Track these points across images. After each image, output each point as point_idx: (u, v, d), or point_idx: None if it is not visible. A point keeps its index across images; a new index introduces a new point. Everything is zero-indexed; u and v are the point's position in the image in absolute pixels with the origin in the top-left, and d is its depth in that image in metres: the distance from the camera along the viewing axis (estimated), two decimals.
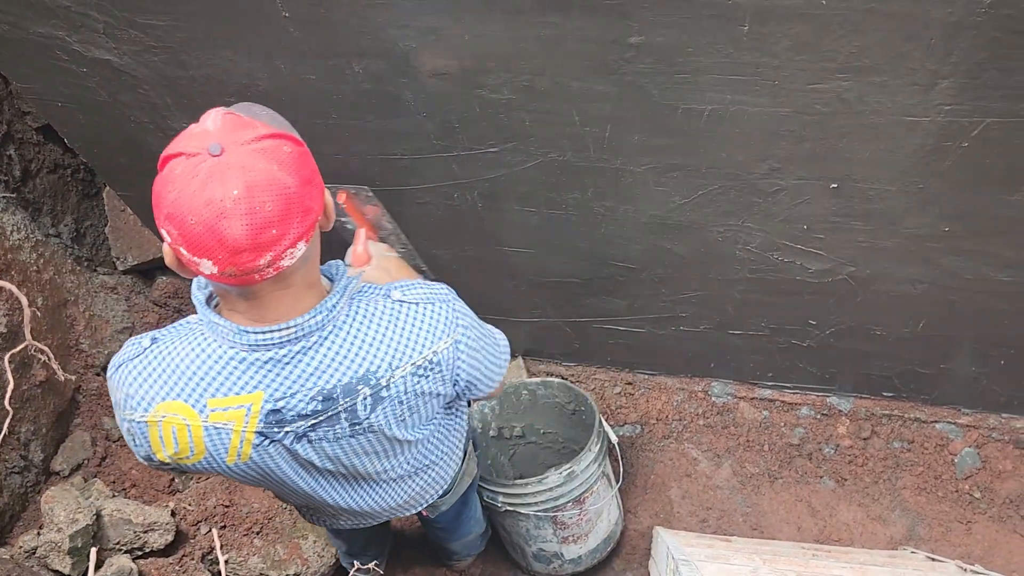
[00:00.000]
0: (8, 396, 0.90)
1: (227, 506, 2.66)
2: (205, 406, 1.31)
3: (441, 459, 1.72)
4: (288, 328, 1.26)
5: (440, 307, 1.40)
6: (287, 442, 1.37)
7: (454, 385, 1.46)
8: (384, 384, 1.35)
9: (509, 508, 2.39)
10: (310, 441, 1.38)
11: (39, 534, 2.37)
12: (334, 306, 1.30)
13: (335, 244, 1.66)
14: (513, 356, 3.00)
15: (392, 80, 1.88)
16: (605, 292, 2.55)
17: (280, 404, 1.32)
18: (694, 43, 1.63)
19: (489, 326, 1.56)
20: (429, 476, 1.73)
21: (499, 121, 1.93)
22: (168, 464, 1.42)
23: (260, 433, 1.34)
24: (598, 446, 2.41)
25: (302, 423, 1.35)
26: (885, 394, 2.72)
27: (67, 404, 2.87)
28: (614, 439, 2.52)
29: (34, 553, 2.33)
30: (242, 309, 1.26)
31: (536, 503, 2.37)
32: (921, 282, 2.17)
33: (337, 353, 1.31)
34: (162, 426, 1.33)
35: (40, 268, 2.79)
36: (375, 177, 2.18)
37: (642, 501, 2.80)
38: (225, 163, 1.10)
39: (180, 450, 1.36)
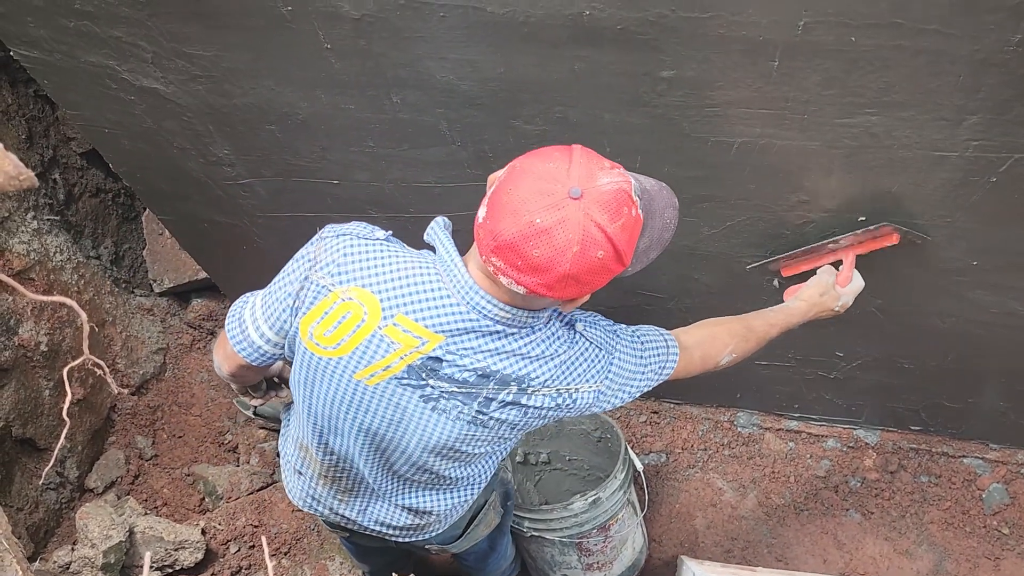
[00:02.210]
0: (67, 407, 0.95)
1: (256, 526, 2.70)
2: (393, 316, 1.36)
3: (459, 482, 1.71)
4: (507, 312, 1.35)
5: (602, 356, 1.48)
6: (418, 395, 1.42)
7: (575, 415, 1.53)
8: (529, 392, 1.42)
9: (534, 534, 2.41)
10: (435, 407, 1.43)
11: (73, 550, 2.41)
12: (542, 317, 1.39)
13: None
14: None
15: (429, 110, 1.93)
16: (632, 321, 2.56)
17: (448, 358, 1.37)
18: (724, 77, 1.67)
19: (651, 347, 1.59)
20: (438, 498, 1.72)
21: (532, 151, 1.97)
22: (277, 340, 1.49)
23: (411, 368, 1.39)
24: (623, 474, 2.42)
25: (447, 386, 1.40)
26: (912, 428, 2.72)
27: (102, 422, 2.93)
28: (639, 467, 2.53)
29: (68, 568, 2.38)
30: (478, 270, 1.34)
31: (561, 529, 2.39)
32: (949, 316, 2.18)
33: (518, 349, 1.39)
34: (340, 305, 1.38)
35: (81, 289, 2.86)
36: (408, 204, 2.23)
37: (667, 530, 2.81)
38: (563, 205, 1.21)
39: (334, 335, 1.39)
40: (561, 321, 1.46)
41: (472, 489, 1.77)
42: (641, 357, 1.55)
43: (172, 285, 3.16)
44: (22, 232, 2.63)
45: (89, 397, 2.84)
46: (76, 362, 0.85)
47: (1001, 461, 2.68)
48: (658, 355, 1.59)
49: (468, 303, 1.34)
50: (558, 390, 1.44)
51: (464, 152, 2.03)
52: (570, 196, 1.20)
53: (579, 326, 1.47)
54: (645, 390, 1.60)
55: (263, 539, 0.94)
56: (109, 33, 1.91)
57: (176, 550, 2.54)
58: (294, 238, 1.60)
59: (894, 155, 1.74)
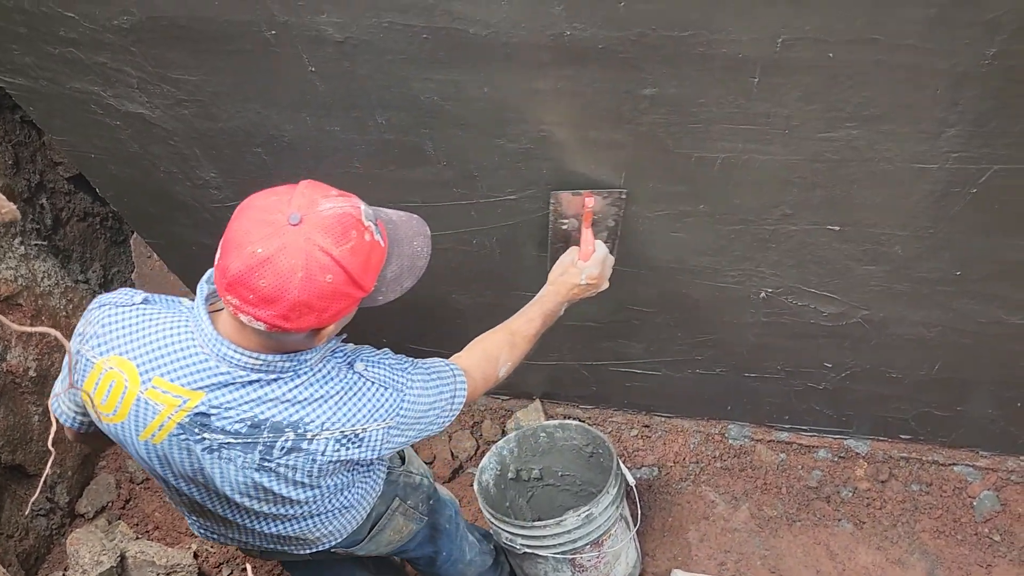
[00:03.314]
0: (51, 437, 0.95)
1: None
2: (151, 380, 1.38)
3: (332, 510, 1.67)
4: (258, 359, 1.36)
5: (389, 395, 1.49)
6: (199, 448, 1.43)
7: (378, 457, 1.53)
8: (308, 437, 1.42)
9: (528, 551, 2.40)
10: (219, 458, 1.44)
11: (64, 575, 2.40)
12: (306, 360, 1.40)
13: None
14: (531, 399, 3.04)
15: (414, 131, 1.94)
16: (622, 336, 2.58)
17: (213, 412, 1.38)
18: (706, 94, 1.68)
19: (444, 386, 1.61)
20: (311, 524, 1.67)
21: (518, 169, 1.99)
22: (82, 409, 1.53)
23: (181, 426, 1.41)
24: (616, 488, 2.42)
25: (221, 438, 1.41)
26: (902, 436, 2.73)
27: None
28: (631, 481, 2.53)
29: None
30: (227, 322, 1.36)
31: (554, 545, 2.38)
32: (935, 325, 2.20)
33: (284, 395, 1.39)
34: (104, 376, 1.41)
35: (69, 313, 2.85)
36: None
37: (660, 544, 2.80)
38: (283, 231, 1.24)
39: (108, 403, 1.42)
40: (338, 361, 1.47)
41: (351, 513, 1.73)
42: (434, 390, 1.58)
43: None
44: (9, 258, 2.63)
45: None
46: (59, 390, 0.85)
47: (991, 468, 2.69)
48: (448, 386, 1.62)
49: (217, 356, 1.36)
50: (342, 432, 1.44)
51: (450, 172, 2.05)
52: (289, 223, 1.23)
53: (359, 366, 1.48)
54: (445, 424, 1.63)
55: (248, 566, 0.94)
56: (94, 59, 1.92)
57: (168, 574, 2.53)
58: None
59: (876, 168, 1.76)
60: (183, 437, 1.42)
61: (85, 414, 1.59)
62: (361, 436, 1.47)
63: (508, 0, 1.58)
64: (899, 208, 1.85)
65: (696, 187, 1.93)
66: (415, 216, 1.55)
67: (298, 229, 1.24)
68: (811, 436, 2.84)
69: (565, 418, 3.00)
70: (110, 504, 2.93)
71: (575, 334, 2.61)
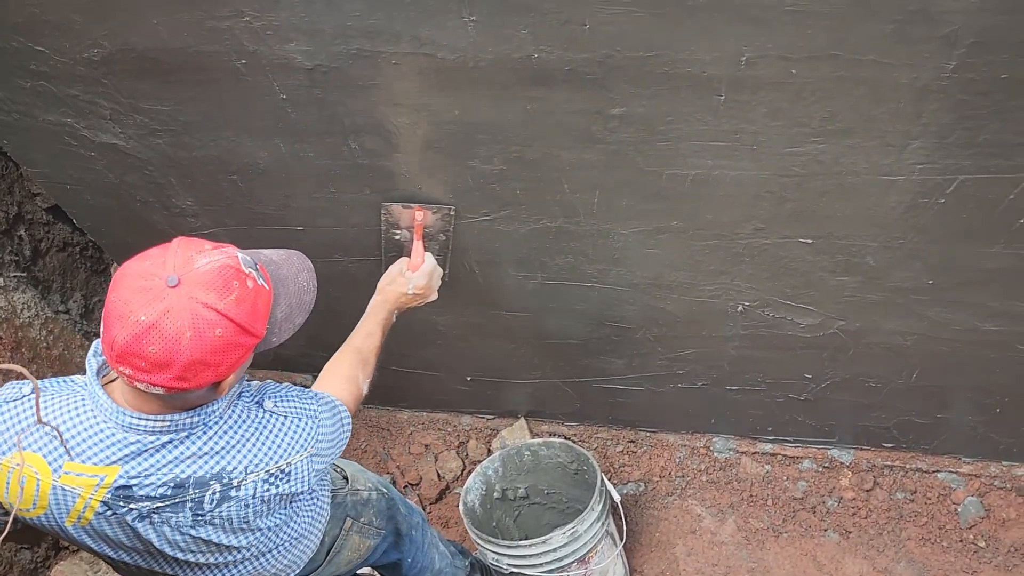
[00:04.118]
0: (19, 473, 0.95)
1: None
2: (61, 467, 1.36)
3: (285, 542, 1.65)
4: (163, 421, 1.34)
5: (305, 423, 1.49)
6: (129, 518, 1.40)
7: (308, 488, 1.53)
8: (235, 484, 1.42)
9: (514, 570, 2.40)
10: (152, 523, 1.42)
11: None
12: (213, 411, 1.39)
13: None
14: (516, 417, 3.04)
15: (387, 155, 1.95)
16: (603, 352, 2.59)
17: (133, 482, 1.36)
18: (674, 112, 1.70)
19: (338, 410, 1.64)
20: (270, 559, 1.65)
21: (491, 191, 2.00)
22: (2, 510, 1.47)
23: (105, 503, 1.38)
24: (601, 505, 2.43)
25: (148, 504, 1.39)
26: (885, 445, 2.74)
27: None
28: (617, 498, 2.53)
29: None
30: (124, 391, 1.34)
31: (541, 564, 2.38)
32: (911, 334, 2.21)
33: (200, 449, 1.38)
34: (13, 474, 1.38)
35: (50, 344, 2.84)
36: (373, 248, 2.24)
37: (647, 559, 2.80)
38: (164, 295, 1.22)
39: (24, 500, 1.39)
40: (246, 403, 1.46)
41: (303, 543, 1.70)
42: (335, 415, 1.61)
43: None
44: None
45: None
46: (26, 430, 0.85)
47: (974, 474, 2.70)
48: (337, 410, 1.64)
49: (122, 427, 1.34)
50: (268, 471, 1.44)
51: (425, 195, 2.05)
52: (168, 285, 1.22)
53: (267, 403, 1.48)
54: (343, 447, 1.65)
55: None
56: (66, 92, 1.93)
57: None
58: None
59: (844, 181, 1.78)
60: (109, 514, 1.40)
61: (7, 513, 1.51)
62: (287, 471, 1.47)
63: (474, 25, 1.59)
64: (869, 219, 1.87)
65: (669, 204, 1.94)
66: (295, 252, 1.55)
67: (178, 290, 1.23)
68: (795, 447, 2.84)
69: (551, 435, 3.00)
70: None
71: (557, 352, 2.61)
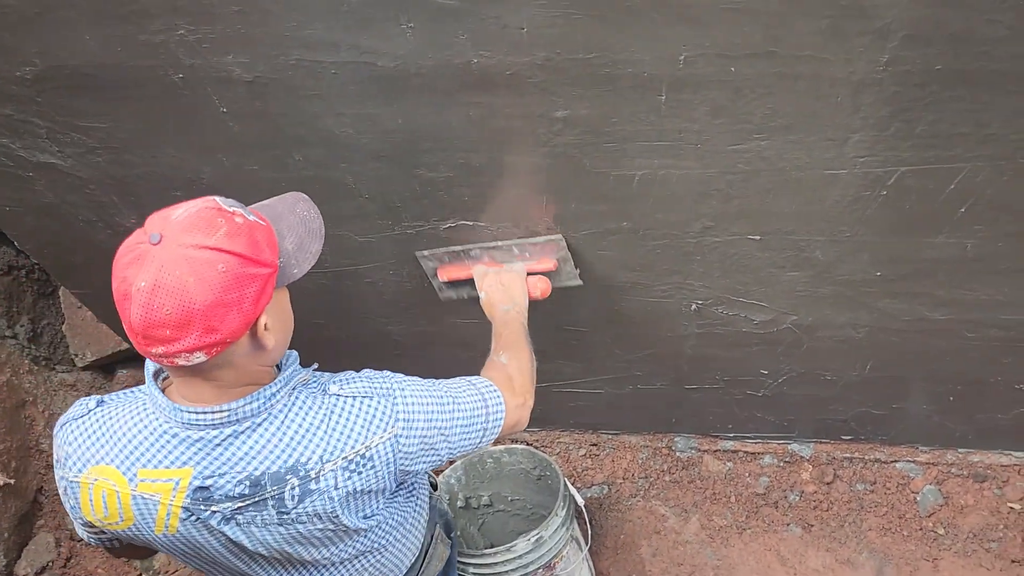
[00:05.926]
0: None
1: None
2: (136, 475, 1.34)
3: (394, 543, 1.64)
4: (221, 412, 1.30)
5: (378, 401, 1.41)
6: (214, 521, 1.38)
7: (396, 478, 1.46)
8: (313, 476, 1.36)
9: None
10: (238, 524, 1.39)
11: None
12: (272, 395, 1.34)
13: None
14: None
15: (333, 166, 1.93)
16: (561, 356, 2.58)
17: (208, 483, 1.34)
18: (617, 113, 1.70)
19: (462, 395, 1.56)
20: (379, 559, 1.65)
21: (439, 198, 1.99)
22: (96, 528, 1.46)
23: (186, 508, 1.36)
24: (564, 510, 2.42)
25: (229, 505, 1.36)
26: (844, 437, 2.77)
27: (29, 506, 2.84)
28: (580, 502, 2.53)
29: None
30: (178, 386, 1.33)
31: (506, 572, 2.37)
32: (862, 326, 2.23)
33: (268, 441, 1.34)
34: (93, 489, 1.37)
35: None
36: (325, 259, 2.20)
37: (613, 562, 2.80)
38: (152, 254, 1.17)
39: (109, 514, 1.38)
40: (312, 391, 1.41)
41: (410, 536, 1.70)
42: (436, 389, 1.51)
43: (95, 358, 3.09)
44: None
45: (14, 482, 2.76)
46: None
47: (932, 463, 2.74)
48: (465, 385, 1.58)
49: (183, 424, 1.32)
50: (346, 458, 1.38)
51: (373, 204, 2.04)
52: (152, 244, 1.18)
53: (332, 388, 1.42)
54: (487, 428, 1.57)
55: None
56: None
57: None
58: None
59: (788, 176, 1.79)
60: (194, 519, 1.37)
61: (97, 531, 1.52)
62: (367, 456, 1.39)
63: (413, 31, 1.58)
64: (814, 214, 1.88)
65: (617, 205, 1.94)
66: (285, 195, 1.47)
67: (163, 244, 1.18)
68: (756, 443, 2.86)
69: (512, 442, 2.99)
70: (51, 564, 2.84)
71: None
